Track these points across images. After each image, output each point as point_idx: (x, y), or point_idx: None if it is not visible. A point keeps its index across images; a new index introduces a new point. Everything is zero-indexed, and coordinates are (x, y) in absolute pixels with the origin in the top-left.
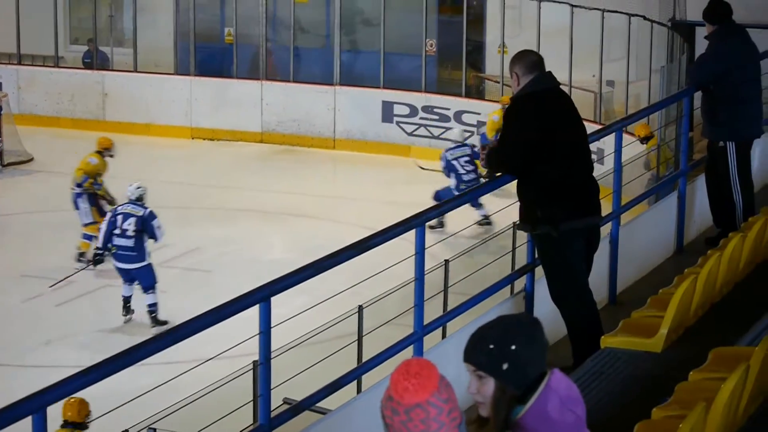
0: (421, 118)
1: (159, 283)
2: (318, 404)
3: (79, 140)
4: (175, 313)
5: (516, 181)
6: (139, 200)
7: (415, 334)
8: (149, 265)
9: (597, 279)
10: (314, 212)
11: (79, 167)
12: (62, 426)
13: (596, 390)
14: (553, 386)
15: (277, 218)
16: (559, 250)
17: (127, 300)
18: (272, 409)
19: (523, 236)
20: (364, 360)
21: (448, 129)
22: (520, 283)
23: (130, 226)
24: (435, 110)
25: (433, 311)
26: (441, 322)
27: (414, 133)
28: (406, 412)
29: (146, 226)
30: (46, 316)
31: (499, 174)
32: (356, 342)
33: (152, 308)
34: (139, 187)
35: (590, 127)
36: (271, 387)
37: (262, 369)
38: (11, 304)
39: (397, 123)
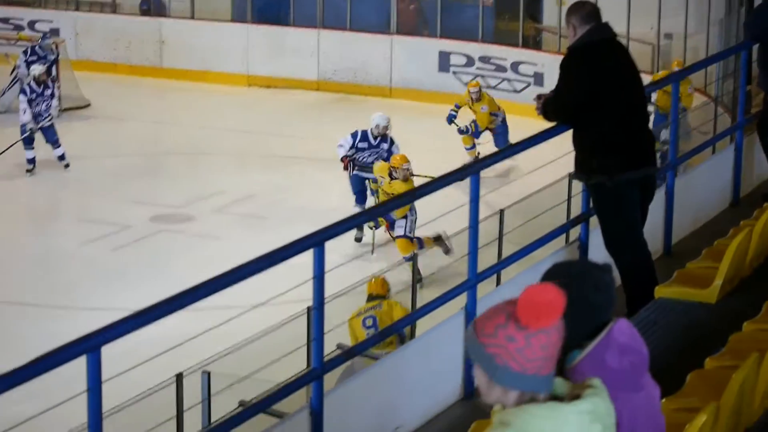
0: (478, 69)
1: (214, 229)
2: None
3: (136, 87)
4: (229, 259)
5: (572, 130)
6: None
7: (469, 281)
8: None
9: (652, 230)
10: None
11: None
12: (368, 301)
13: (649, 340)
14: (614, 335)
15: (331, 166)
16: (614, 200)
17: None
18: (325, 354)
19: (578, 185)
20: (417, 306)
21: (504, 80)
22: (575, 233)
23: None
24: (492, 61)
25: (487, 260)
26: (495, 269)
27: None
28: (527, 338)
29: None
30: (102, 259)
31: (554, 123)
32: (410, 289)
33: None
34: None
35: (647, 80)
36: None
37: (316, 314)
38: (68, 247)
39: (454, 73)
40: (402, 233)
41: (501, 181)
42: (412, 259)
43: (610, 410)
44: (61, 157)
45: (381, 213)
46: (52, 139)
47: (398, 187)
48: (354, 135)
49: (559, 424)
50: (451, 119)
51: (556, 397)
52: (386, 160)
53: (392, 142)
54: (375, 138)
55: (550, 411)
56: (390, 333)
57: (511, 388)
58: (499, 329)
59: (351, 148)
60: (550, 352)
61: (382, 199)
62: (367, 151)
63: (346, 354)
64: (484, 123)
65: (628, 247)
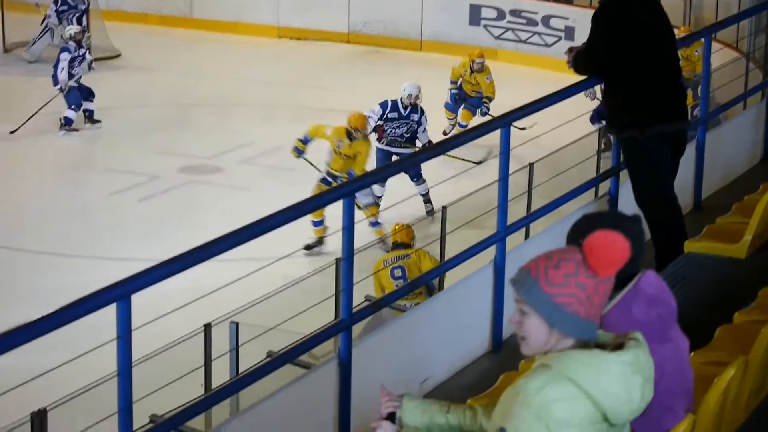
0: (509, 22)
1: (242, 180)
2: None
3: (167, 37)
4: (257, 210)
5: (603, 84)
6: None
7: (498, 234)
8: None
9: (682, 185)
10: None
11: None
12: (392, 248)
13: (678, 294)
14: (642, 286)
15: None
16: (645, 154)
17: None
18: (354, 305)
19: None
20: (446, 259)
21: (535, 34)
22: (605, 187)
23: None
24: (523, 14)
25: (516, 214)
26: (524, 222)
27: (501, 36)
28: (596, 285)
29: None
30: (130, 210)
31: (585, 77)
32: (438, 241)
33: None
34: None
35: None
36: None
37: (345, 265)
38: (96, 198)
39: (485, 26)
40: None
41: (530, 134)
42: (438, 211)
43: (651, 364)
44: (90, 114)
45: (409, 165)
46: (85, 96)
47: (360, 147)
48: (384, 105)
49: (601, 371)
50: (454, 98)
51: (598, 346)
52: (415, 132)
53: (422, 113)
54: (405, 108)
55: (593, 358)
56: (420, 284)
57: (574, 335)
58: (570, 278)
59: (380, 119)
60: (606, 300)
61: (340, 163)
62: (397, 122)
63: (375, 305)
64: (492, 93)
65: (658, 202)
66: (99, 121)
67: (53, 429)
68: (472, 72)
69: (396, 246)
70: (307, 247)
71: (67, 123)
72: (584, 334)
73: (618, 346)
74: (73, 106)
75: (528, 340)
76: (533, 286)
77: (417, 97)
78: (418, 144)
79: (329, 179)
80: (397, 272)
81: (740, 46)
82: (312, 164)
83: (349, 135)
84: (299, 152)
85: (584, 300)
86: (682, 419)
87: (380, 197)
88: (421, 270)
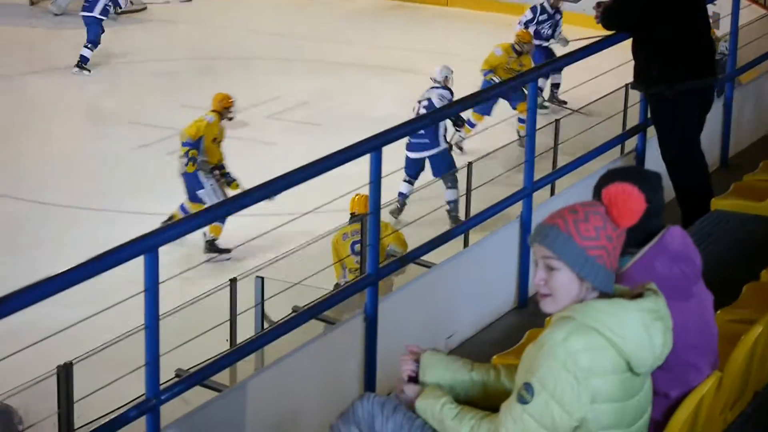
0: None
1: (267, 134)
2: (424, 257)
3: None
4: (283, 164)
5: (631, 39)
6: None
7: (525, 190)
8: (445, 151)
9: (709, 142)
10: (425, 69)
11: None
12: (350, 222)
13: (705, 251)
14: (666, 242)
15: (386, 74)
16: (673, 109)
17: (404, 198)
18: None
19: (635, 96)
20: (471, 215)
21: None
22: (632, 144)
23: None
24: None
25: (542, 171)
26: (551, 178)
27: None
28: (618, 237)
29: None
30: (154, 164)
31: (613, 32)
32: (465, 196)
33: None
34: (445, 68)
35: None
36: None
37: (372, 219)
38: (120, 151)
39: None
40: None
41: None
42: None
43: (669, 312)
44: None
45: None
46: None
47: (526, 60)
48: (534, 9)
49: (623, 318)
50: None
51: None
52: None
53: (562, 14)
54: (552, 8)
55: (615, 306)
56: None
57: (601, 287)
58: (600, 231)
59: (533, 21)
60: (621, 250)
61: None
62: (546, 23)
63: (401, 261)
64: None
65: (685, 158)
66: (89, 71)
67: (79, 382)
68: (519, 55)
69: (355, 218)
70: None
71: (83, 61)
72: (609, 286)
73: (636, 296)
74: (90, 45)
75: (556, 296)
76: (567, 240)
77: None
78: None
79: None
80: (358, 247)
81: (766, 2)
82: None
83: (517, 50)
84: None
85: (612, 251)
86: (707, 376)
87: (407, 196)
88: (384, 245)
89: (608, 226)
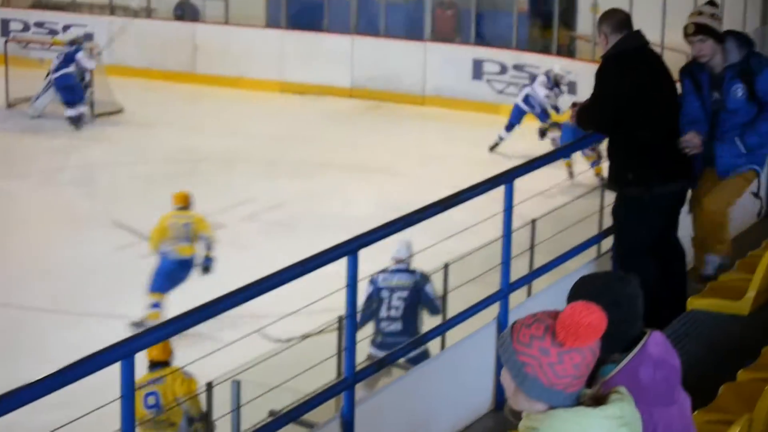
0: (512, 77)
1: (245, 237)
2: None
3: (170, 92)
4: (259, 268)
5: (607, 140)
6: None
7: (501, 292)
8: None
9: (686, 240)
10: (401, 169)
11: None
12: (149, 368)
13: (681, 352)
14: (648, 349)
15: (363, 174)
16: (643, 212)
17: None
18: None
19: (611, 196)
20: (448, 317)
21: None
22: (608, 243)
23: (400, 303)
24: (525, 69)
25: (519, 271)
26: (527, 280)
27: (504, 91)
28: (560, 355)
29: (421, 297)
30: (133, 267)
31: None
32: (441, 299)
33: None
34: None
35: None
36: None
37: (349, 322)
38: (99, 254)
39: (488, 81)
40: None
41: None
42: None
43: (637, 416)
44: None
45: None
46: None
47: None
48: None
49: (587, 428)
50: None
51: (581, 403)
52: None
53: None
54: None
55: (578, 415)
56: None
57: (536, 398)
58: (535, 340)
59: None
60: (582, 372)
61: None
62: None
63: (378, 364)
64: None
65: (647, 259)
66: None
67: None
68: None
69: (152, 365)
70: None
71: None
72: (551, 401)
73: (600, 401)
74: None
75: (506, 394)
76: (506, 340)
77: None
78: None
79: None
80: (151, 399)
81: None
82: None
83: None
84: None
85: (545, 366)
86: None
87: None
88: (176, 394)
89: (546, 339)
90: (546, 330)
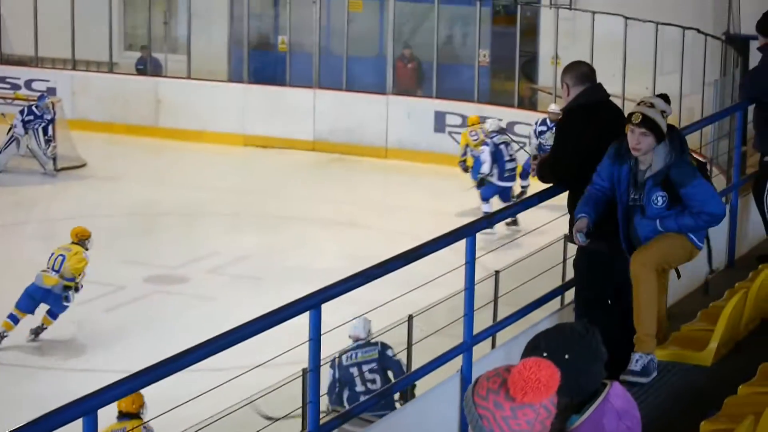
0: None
1: (208, 290)
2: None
3: (132, 146)
4: (224, 320)
5: (567, 193)
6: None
7: (465, 344)
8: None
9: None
10: (364, 222)
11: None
12: (117, 418)
13: (645, 402)
14: (611, 399)
15: (327, 227)
16: (607, 265)
17: None
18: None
19: (573, 248)
20: (413, 369)
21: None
22: (571, 295)
23: (375, 375)
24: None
25: (482, 322)
26: (490, 332)
27: None
28: (513, 410)
29: (386, 362)
30: (96, 320)
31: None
32: (405, 350)
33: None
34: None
35: None
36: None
37: (312, 376)
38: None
39: (450, 133)
40: None
41: (497, 243)
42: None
43: None
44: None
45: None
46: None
47: None
48: (536, 122)
49: None
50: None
51: None
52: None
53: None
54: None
55: None
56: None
57: None
58: (491, 393)
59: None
60: (535, 428)
61: None
62: (546, 134)
63: (342, 417)
64: None
65: (604, 311)
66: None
67: None
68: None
69: (121, 415)
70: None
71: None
72: None
73: None
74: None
75: None
76: (469, 392)
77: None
78: None
79: None
80: None
81: (704, 151)
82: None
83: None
84: None
85: (499, 420)
86: None
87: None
88: None
89: (501, 393)
90: (501, 384)
